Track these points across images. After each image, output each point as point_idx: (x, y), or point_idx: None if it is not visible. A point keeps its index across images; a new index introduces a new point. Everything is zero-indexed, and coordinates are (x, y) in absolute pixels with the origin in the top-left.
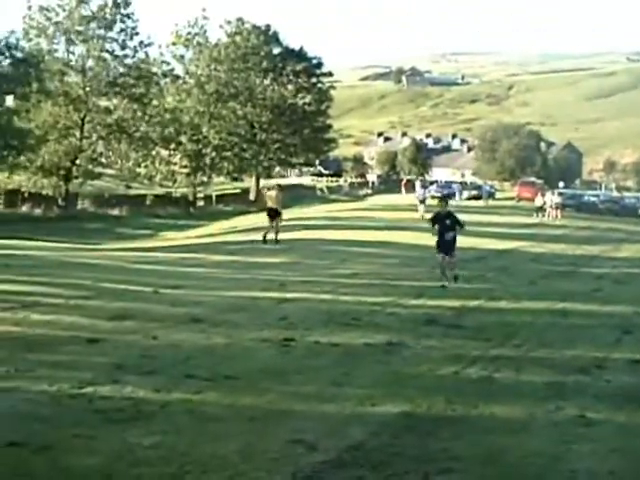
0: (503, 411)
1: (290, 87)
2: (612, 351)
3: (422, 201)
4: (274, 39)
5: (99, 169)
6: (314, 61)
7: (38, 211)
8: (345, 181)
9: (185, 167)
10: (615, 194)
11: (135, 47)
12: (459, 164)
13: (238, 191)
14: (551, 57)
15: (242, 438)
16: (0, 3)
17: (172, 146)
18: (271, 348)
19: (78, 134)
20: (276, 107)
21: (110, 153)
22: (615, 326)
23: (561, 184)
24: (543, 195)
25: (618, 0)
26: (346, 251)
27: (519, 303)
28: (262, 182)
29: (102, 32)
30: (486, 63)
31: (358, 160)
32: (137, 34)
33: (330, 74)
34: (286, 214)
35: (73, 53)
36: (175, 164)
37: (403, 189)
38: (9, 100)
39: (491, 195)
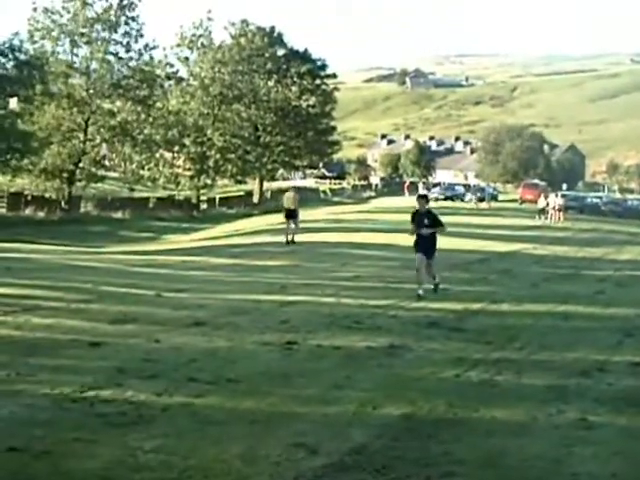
0: (504, 414)
1: (294, 89)
2: (614, 354)
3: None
4: (278, 41)
5: (102, 172)
6: (318, 63)
7: (41, 214)
8: (348, 184)
9: (189, 170)
10: (618, 196)
11: (140, 50)
12: (462, 166)
13: (242, 194)
14: (555, 59)
15: (244, 442)
16: (3, 5)
17: (176, 149)
18: (273, 351)
19: (82, 137)
20: (280, 109)
21: (113, 156)
22: (617, 329)
23: (564, 186)
24: (546, 197)
25: (622, 2)
26: (348, 254)
27: (521, 306)
28: (266, 185)
29: (106, 34)
30: (490, 65)
31: (361, 162)
32: (142, 37)
33: (334, 76)
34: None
35: (77, 55)
36: (179, 167)
37: (406, 191)
38: (13, 103)
39: (494, 197)
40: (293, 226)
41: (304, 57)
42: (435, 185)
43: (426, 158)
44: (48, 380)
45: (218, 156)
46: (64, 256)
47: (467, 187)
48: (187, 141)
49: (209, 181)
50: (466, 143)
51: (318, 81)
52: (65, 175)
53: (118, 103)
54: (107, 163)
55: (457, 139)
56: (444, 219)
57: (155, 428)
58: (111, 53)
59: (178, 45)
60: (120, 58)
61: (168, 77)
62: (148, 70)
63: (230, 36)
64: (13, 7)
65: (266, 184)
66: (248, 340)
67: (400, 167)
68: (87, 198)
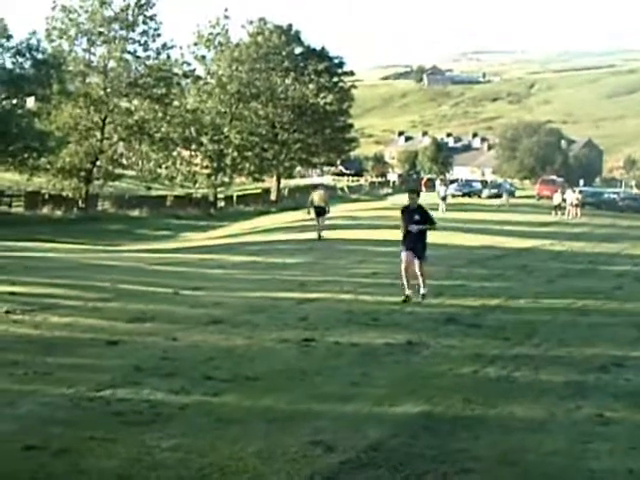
0: (522, 410)
1: (311, 86)
2: (632, 349)
3: (443, 198)
4: (296, 39)
5: (119, 170)
6: (336, 60)
7: (58, 213)
8: (365, 180)
9: (206, 168)
10: (635, 192)
11: (157, 49)
12: (479, 162)
13: (259, 191)
14: (572, 55)
15: (261, 440)
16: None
17: (193, 147)
18: (291, 349)
19: (99, 135)
20: (297, 107)
21: (131, 154)
22: (635, 324)
23: (581, 182)
24: (563, 193)
25: None
26: (366, 250)
27: (539, 302)
28: (283, 182)
29: (124, 33)
30: (507, 61)
31: (379, 159)
32: (159, 36)
33: (351, 73)
34: (307, 215)
35: (94, 54)
36: (196, 165)
37: (423, 188)
38: (30, 102)
39: (511, 193)
40: (321, 222)
41: (321, 55)
42: (452, 182)
43: (443, 155)
44: (66, 379)
45: (235, 154)
46: (82, 255)
47: (484, 183)
48: (204, 139)
49: (226, 179)
50: (483, 140)
51: (335, 79)
52: (82, 174)
53: (135, 102)
54: (124, 161)
55: (474, 136)
56: (463, 216)
57: (172, 426)
58: (128, 52)
59: (195, 44)
60: (137, 57)
61: (185, 75)
62: (165, 69)
63: (247, 34)
64: (30, 7)
65: (283, 181)
66: (266, 338)
67: (417, 164)
68: (104, 196)
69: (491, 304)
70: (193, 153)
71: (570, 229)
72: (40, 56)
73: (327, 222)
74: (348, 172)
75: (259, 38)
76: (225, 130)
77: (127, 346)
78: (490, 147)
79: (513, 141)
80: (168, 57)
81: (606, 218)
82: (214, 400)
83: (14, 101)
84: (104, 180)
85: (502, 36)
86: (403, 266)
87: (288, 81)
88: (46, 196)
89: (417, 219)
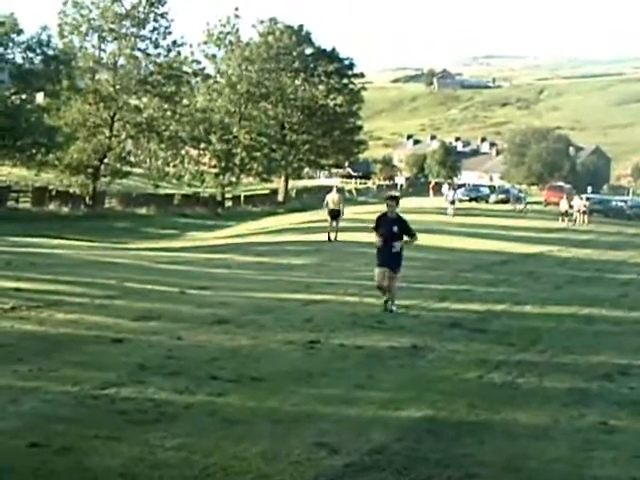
0: (526, 417)
1: (321, 88)
2: (636, 358)
3: (452, 202)
4: (306, 39)
5: (127, 168)
6: (346, 62)
7: (66, 209)
8: (373, 183)
9: (214, 167)
10: None
11: (168, 46)
12: (487, 167)
13: (267, 192)
14: (582, 62)
15: (265, 440)
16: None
17: (202, 146)
18: (296, 350)
19: (107, 132)
20: (307, 108)
21: (139, 152)
22: None
23: (589, 189)
24: (570, 200)
25: None
26: (371, 253)
27: (544, 308)
28: (291, 183)
29: (135, 30)
30: (517, 67)
31: (387, 162)
32: (170, 33)
33: (362, 75)
34: (314, 216)
35: (104, 51)
36: (204, 164)
37: (431, 192)
38: (39, 97)
39: (519, 200)
40: (335, 224)
41: (332, 56)
42: (460, 186)
43: (452, 159)
44: (70, 376)
45: (244, 154)
46: (88, 252)
47: (492, 188)
48: (213, 138)
49: (234, 179)
50: (492, 144)
51: (345, 80)
52: (90, 171)
53: (144, 99)
54: (132, 159)
55: (483, 140)
56: (470, 220)
57: (176, 426)
58: (139, 49)
59: (205, 42)
60: (148, 54)
61: (195, 74)
62: (175, 67)
63: (258, 34)
64: (41, 1)
65: (291, 183)
66: (271, 339)
67: (426, 167)
68: (111, 194)
69: (496, 309)
70: (201, 152)
71: (577, 236)
72: (50, 52)
73: (340, 224)
74: (356, 174)
75: (270, 38)
76: (234, 130)
77: (132, 344)
78: (498, 152)
79: (522, 146)
80: (178, 54)
81: (613, 226)
82: (219, 400)
83: (23, 96)
84: (112, 177)
85: (513, 41)
86: (376, 284)
87: (298, 82)
88: (53, 192)
89: (395, 231)
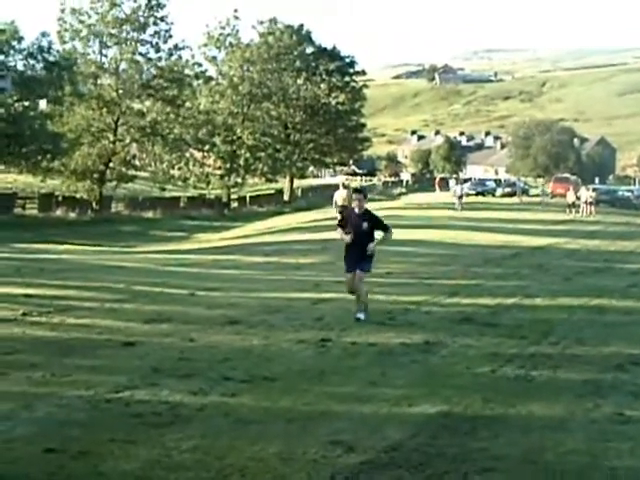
0: (541, 409)
1: (323, 86)
2: None
3: (460, 197)
4: (307, 38)
5: (133, 172)
6: (347, 60)
7: (72, 215)
8: (379, 180)
9: (219, 169)
10: None
11: (169, 50)
12: (492, 161)
13: (272, 192)
14: (584, 53)
15: (281, 440)
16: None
17: (206, 148)
18: (308, 349)
19: (111, 137)
20: (309, 107)
21: (144, 156)
22: None
23: (597, 180)
24: (577, 191)
25: None
26: (380, 250)
27: (555, 300)
28: (296, 182)
29: (135, 34)
30: (519, 60)
31: (392, 159)
32: (171, 37)
33: (363, 73)
34: (320, 214)
35: (106, 56)
36: (209, 166)
37: (437, 187)
38: (42, 104)
39: (524, 192)
40: None
41: (333, 54)
42: (465, 181)
43: (456, 153)
44: (83, 380)
45: (248, 155)
46: (96, 256)
47: (498, 182)
48: (217, 140)
49: (239, 180)
50: (496, 138)
51: (347, 78)
52: (96, 175)
53: (147, 103)
54: (137, 163)
55: (487, 134)
56: (478, 214)
57: (191, 428)
58: (140, 53)
59: (205, 45)
60: (149, 58)
61: (197, 77)
62: (177, 70)
63: (258, 34)
64: (40, 8)
65: (296, 182)
66: (282, 338)
67: (430, 163)
68: (118, 198)
69: (507, 303)
70: (206, 154)
71: (585, 227)
72: (51, 58)
73: None
74: (361, 172)
75: (270, 38)
76: (237, 131)
77: (144, 347)
78: (503, 146)
79: (526, 139)
80: (180, 58)
81: (620, 216)
82: (232, 401)
83: (26, 103)
84: (117, 182)
85: (513, 34)
86: (347, 290)
87: (300, 81)
88: (60, 198)
89: (365, 228)
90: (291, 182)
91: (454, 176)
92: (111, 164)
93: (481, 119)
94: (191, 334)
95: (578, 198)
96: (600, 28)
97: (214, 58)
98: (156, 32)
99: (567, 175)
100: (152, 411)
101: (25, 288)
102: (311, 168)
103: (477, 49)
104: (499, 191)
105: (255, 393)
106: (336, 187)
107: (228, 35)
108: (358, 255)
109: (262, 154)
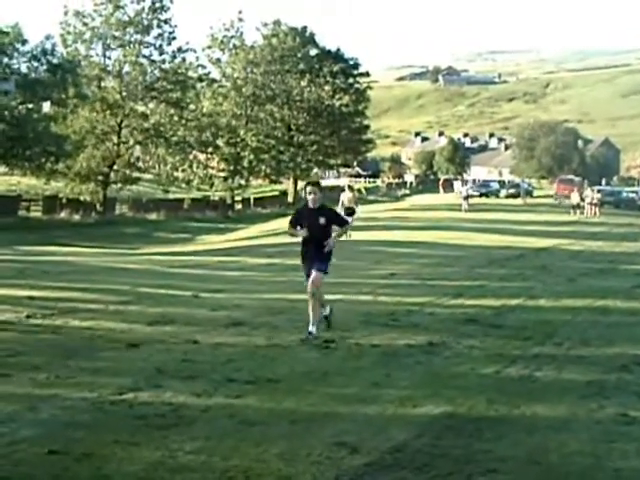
0: (545, 410)
1: (327, 88)
2: None
3: (465, 198)
4: (310, 40)
5: (136, 174)
6: (351, 62)
7: (76, 217)
8: (382, 182)
9: (223, 171)
10: None
11: (173, 52)
12: (497, 162)
13: (276, 193)
14: (587, 54)
15: (284, 442)
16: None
17: (209, 150)
18: (311, 350)
19: (115, 139)
20: (313, 108)
21: (147, 158)
22: None
23: (603, 181)
24: (581, 192)
25: None
26: (383, 251)
27: (559, 301)
28: (300, 184)
29: (139, 37)
30: (523, 61)
31: (396, 160)
32: (174, 39)
33: (367, 74)
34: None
35: (110, 58)
36: (213, 168)
37: (441, 189)
38: (46, 106)
39: (529, 193)
40: (351, 223)
41: (336, 56)
42: (466, 182)
43: (460, 155)
44: (87, 382)
45: (252, 157)
46: (100, 258)
47: (502, 183)
48: (220, 142)
49: (243, 182)
50: (500, 140)
51: (351, 80)
52: (100, 178)
53: (151, 105)
54: (141, 165)
55: (491, 136)
56: (482, 216)
57: (195, 429)
58: (144, 56)
59: (209, 47)
60: (153, 61)
61: (200, 79)
62: (181, 72)
63: (262, 36)
64: (44, 11)
65: (300, 183)
66: (286, 339)
67: (434, 164)
68: (122, 200)
69: (511, 304)
70: (209, 156)
71: (589, 228)
72: (55, 60)
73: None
74: (365, 173)
75: (274, 40)
76: (241, 133)
77: (148, 349)
78: (507, 147)
79: (530, 141)
80: (183, 60)
81: (625, 217)
82: (236, 402)
83: (30, 105)
84: (121, 184)
85: (517, 36)
86: (309, 295)
87: (303, 83)
88: (64, 200)
89: (323, 223)
90: (295, 184)
91: (459, 177)
92: (115, 166)
93: (485, 120)
94: (195, 336)
95: (583, 199)
96: (604, 29)
97: (218, 60)
98: (160, 34)
99: (571, 177)
100: (156, 413)
101: (29, 290)
102: (315, 170)
103: (481, 51)
104: (503, 192)
105: (259, 394)
106: (340, 189)
107: (232, 37)
108: (317, 255)
109: (266, 156)
